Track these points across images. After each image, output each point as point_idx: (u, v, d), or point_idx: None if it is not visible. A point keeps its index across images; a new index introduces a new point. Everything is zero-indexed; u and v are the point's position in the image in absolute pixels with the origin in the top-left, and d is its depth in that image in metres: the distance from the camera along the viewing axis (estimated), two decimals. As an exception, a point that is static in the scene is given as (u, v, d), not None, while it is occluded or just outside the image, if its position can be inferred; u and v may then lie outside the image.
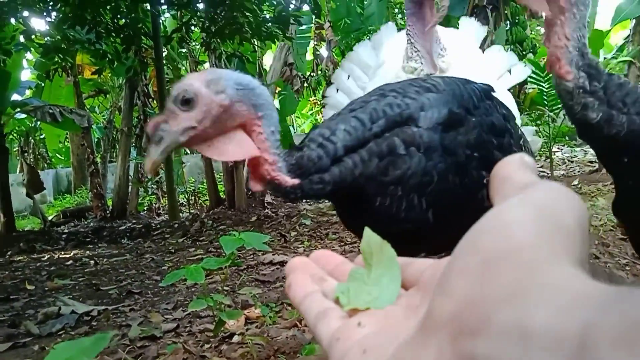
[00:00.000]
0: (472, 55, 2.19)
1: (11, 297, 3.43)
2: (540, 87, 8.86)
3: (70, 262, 4.76)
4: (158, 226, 6.77)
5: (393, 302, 0.39)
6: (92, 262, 4.61)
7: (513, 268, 0.27)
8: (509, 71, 2.27)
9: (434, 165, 1.15)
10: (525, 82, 8.08)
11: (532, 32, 9.42)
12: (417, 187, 1.15)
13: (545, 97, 6.40)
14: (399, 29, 2.43)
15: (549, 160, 6.43)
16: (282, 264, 3.44)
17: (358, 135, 1.12)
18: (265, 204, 7.06)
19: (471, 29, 2.37)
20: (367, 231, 0.43)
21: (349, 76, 2.39)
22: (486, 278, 0.28)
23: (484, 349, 0.26)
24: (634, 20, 8.23)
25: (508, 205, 0.31)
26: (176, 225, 6.52)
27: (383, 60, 2.21)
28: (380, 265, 0.42)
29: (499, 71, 2.23)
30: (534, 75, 8.81)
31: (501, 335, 0.25)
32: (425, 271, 0.40)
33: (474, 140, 1.17)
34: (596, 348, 0.22)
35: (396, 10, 10.11)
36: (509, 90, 2.23)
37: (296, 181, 1.09)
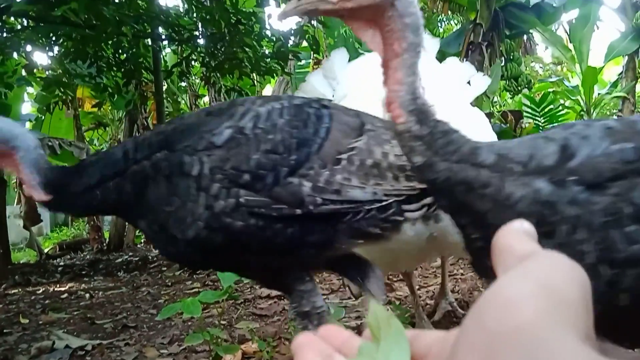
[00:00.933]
0: (427, 69, 2.12)
1: (4, 330, 3.37)
2: (537, 122, 8.94)
3: (66, 295, 4.70)
4: (155, 259, 6.72)
5: None
6: (87, 295, 4.56)
7: (517, 346, 0.27)
8: (469, 83, 2.17)
9: (172, 191, 1.18)
10: (521, 116, 8.18)
11: (527, 68, 9.57)
12: (162, 215, 1.19)
13: (542, 131, 6.50)
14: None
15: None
16: (280, 297, 3.40)
17: (117, 167, 1.24)
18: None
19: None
20: (373, 304, 0.43)
21: None
22: (491, 357, 0.28)
23: None
24: (626, 57, 8.39)
25: (509, 279, 0.31)
26: (173, 258, 6.46)
27: (344, 93, 2.09)
28: (388, 339, 0.41)
29: (457, 84, 2.12)
30: (529, 110, 8.93)
31: None
32: (434, 345, 0.40)
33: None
34: None
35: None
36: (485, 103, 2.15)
37: (47, 197, 1.27)
